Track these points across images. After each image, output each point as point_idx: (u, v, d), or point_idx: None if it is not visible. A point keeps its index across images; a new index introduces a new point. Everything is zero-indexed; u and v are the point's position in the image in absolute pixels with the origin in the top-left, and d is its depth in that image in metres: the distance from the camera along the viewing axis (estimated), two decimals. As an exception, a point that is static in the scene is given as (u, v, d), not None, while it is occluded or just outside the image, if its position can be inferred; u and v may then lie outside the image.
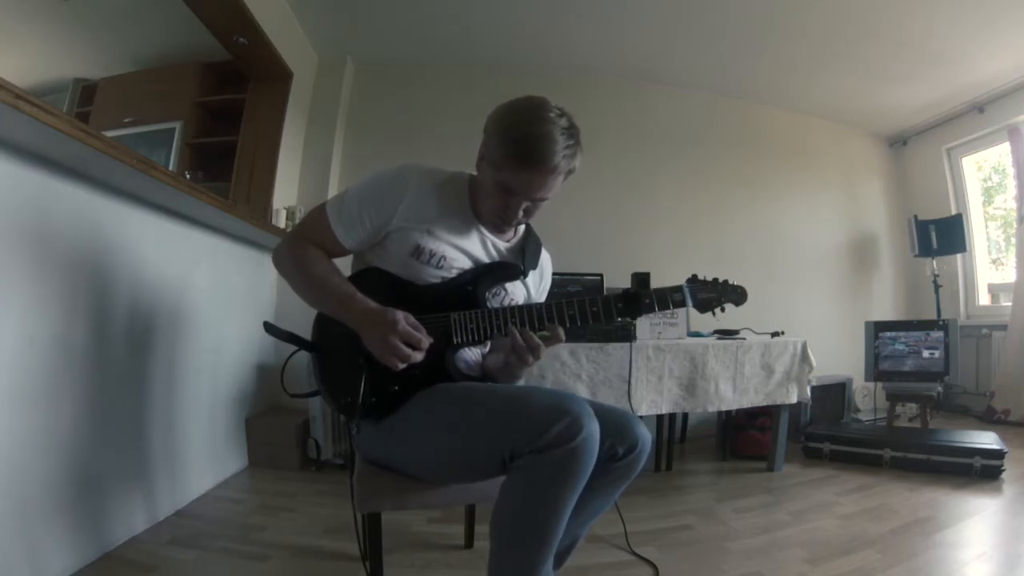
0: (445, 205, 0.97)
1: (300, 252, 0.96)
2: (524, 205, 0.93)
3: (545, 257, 1.16)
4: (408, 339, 0.84)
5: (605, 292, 2.57)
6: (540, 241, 1.13)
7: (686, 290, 0.96)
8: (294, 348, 0.99)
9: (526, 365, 0.93)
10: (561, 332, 0.92)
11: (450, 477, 0.94)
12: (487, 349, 1.09)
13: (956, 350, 2.65)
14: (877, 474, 2.10)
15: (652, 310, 0.95)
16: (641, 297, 0.94)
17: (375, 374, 0.90)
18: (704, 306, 0.98)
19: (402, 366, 0.85)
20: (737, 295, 1.00)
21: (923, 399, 2.64)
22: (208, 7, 2.04)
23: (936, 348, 2.66)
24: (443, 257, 0.95)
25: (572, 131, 0.89)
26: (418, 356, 0.85)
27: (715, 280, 0.99)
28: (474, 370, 1.05)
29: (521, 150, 0.86)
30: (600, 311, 0.93)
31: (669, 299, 0.95)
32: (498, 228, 1.02)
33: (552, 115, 0.87)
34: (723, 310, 0.99)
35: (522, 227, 1.09)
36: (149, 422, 1.51)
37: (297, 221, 2.48)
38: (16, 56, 2.94)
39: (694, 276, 0.99)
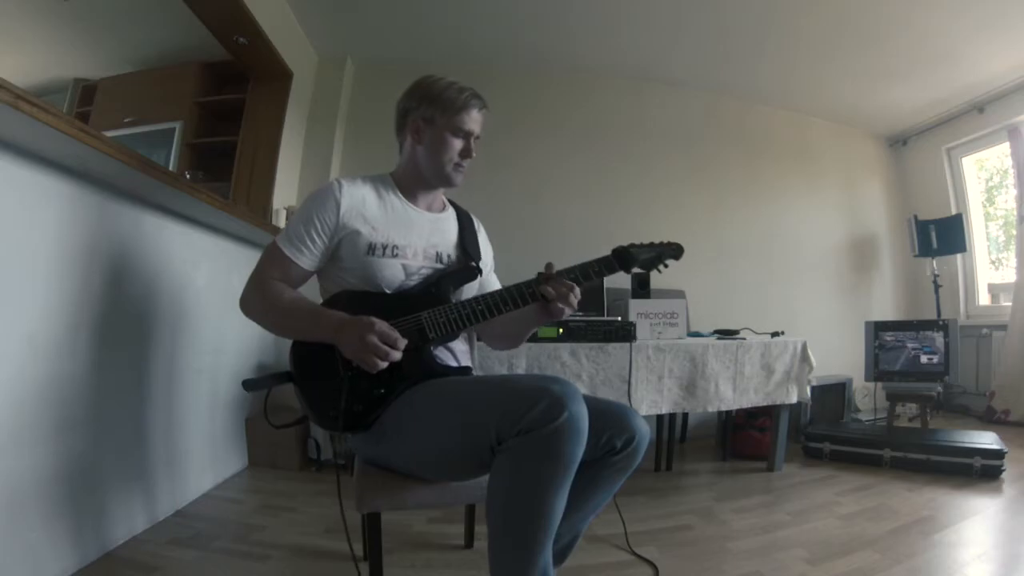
0: (379, 199, 1.06)
1: (265, 288, 0.98)
2: (473, 141, 1.07)
3: (479, 227, 1.25)
4: (385, 338, 0.86)
5: (604, 292, 2.57)
6: (469, 213, 1.23)
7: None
8: (270, 386, 0.99)
9: (562, 313, 0.97)
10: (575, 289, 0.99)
11: (445, 473, 0.94)
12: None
13: (956, 350, 2.65)
14: (877, 474, 2.10)
15: (602, 275, 1.03)
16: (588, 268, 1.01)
17: (358, 383, 0.91)
18: (648, 265, 1.08)
19: (382, 365, 0.86)
20: (674, 251, 1.10)
21: (923, 399, 2.64)
22: (208, 7, 2.04)
23: (935, 353, 2.66)
24: (395, 246, 1.02)
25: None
26: (396, 355, 0.87)
27: (651, 243, 1.09)
28: (457, 359, 1.07)
29: (458, 98, 1.03)
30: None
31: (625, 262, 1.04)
32: (450, 180, 1.09)
33: (440, 76, 1.07)
34: (666, 266, 1.10)
35: (450, 207, 1.19)
36: (149, 422, 1.51)
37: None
38: (16, 56, 2.94)
39: (631, 244, 1.07)
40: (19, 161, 1.06)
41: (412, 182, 1.10)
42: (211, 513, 1.62)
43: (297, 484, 1.94)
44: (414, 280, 1.03)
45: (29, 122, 0.89)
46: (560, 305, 0.96)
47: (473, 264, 1.12)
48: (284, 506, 1.71)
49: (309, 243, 0.99)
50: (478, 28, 2.67)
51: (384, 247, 1.01)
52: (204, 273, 1.78)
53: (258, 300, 0.99)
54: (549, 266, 0.99)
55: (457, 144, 1.05)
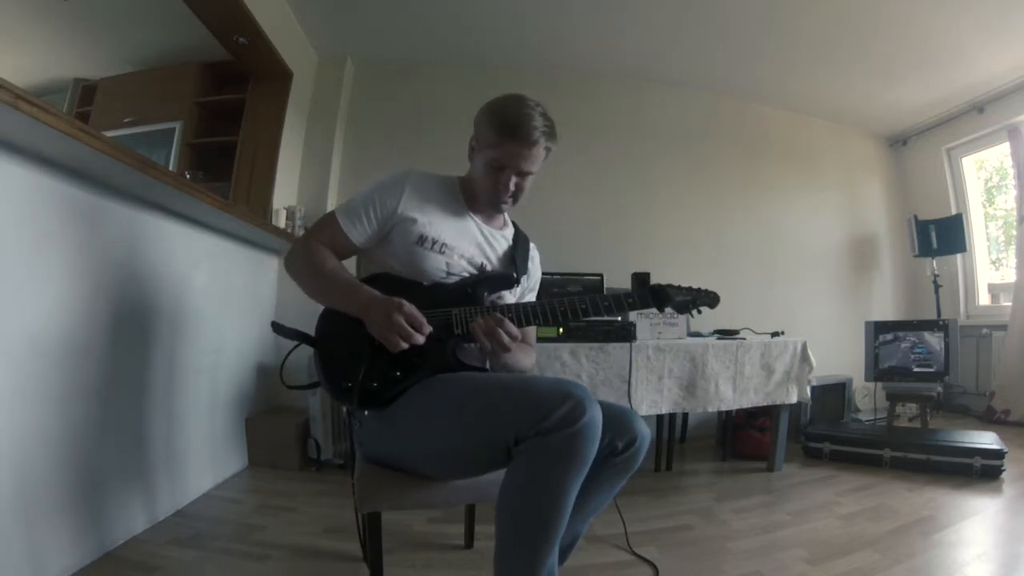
0: (441, 197, 1.09)
1: (311, 251, 1.03)
2: (513, 180, 1.03)
3: (533, 253, 1.25)
4: (411, 320, 0.89)
5: (605, 292, 2.57)
6: (528, 238, 1.24)
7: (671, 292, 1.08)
8: (295, 343, 1.02)
9: (494, 354, 0.97)
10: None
11: (453, 470, 0.94)
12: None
13: (956, 350, 2.65)
14: (877, 474, 2.10)
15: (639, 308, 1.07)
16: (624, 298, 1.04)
17: (377, 360, 0.93)
18: (682, 307, 1.10)
19: (404, 345, 0.88)
20: (710, 299, 1.12)
21: (923, 399, 2.64)
22: (208, 7, 2.04)
23: (930, 362, 2.65)
24: (444, 244, 1.04)
25: (547, 116, 1.02)
26: (419, 338, 0.89)
27: (689, 287, 1.11)
28: (478, 361, 1.07)
29: (508, 127, 0.98)
30: (588, 308, 1.00)
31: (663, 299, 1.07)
32: (493, 207, 1.09)
33: (531, 103, 1.02)
34: (700, 311, 1.12)
35: (511, 227, 1.20)
36: (149, 422, 1.51)
37: (297, 221, 2.49)
38: (16, 56, 2.94)
39: (668, 284, 1.09)
40: (19, 161, 1.06)
41: (471, 195, 1.11)
42: (211, 513, 1.62)
43: (297, 484, 1.94)
44: (453, 279, 1.04)
45: (29, 122, 0.89)
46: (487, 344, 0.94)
47: (513, 275, 1.12)
48: (284, 506, 1.71)
49: (365, 219, 1.02)
50: (478, 28, 2.67)
51: (434, 242, 1.03)
52: (204, 273, 1.78)
53: (301, 260, 1.03)
54: (494, 301, 1.02)
55: (491, 177, 1.03)
